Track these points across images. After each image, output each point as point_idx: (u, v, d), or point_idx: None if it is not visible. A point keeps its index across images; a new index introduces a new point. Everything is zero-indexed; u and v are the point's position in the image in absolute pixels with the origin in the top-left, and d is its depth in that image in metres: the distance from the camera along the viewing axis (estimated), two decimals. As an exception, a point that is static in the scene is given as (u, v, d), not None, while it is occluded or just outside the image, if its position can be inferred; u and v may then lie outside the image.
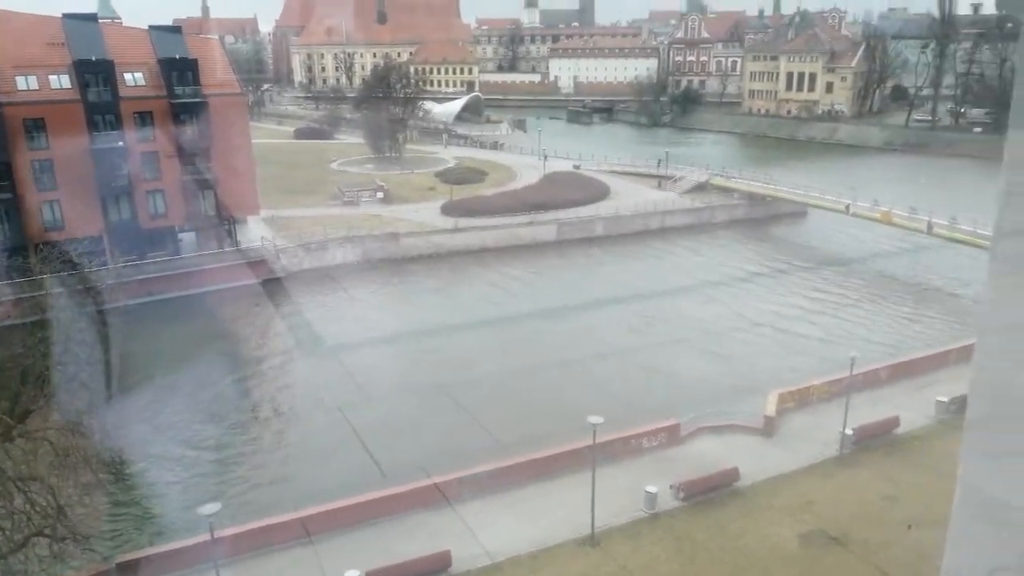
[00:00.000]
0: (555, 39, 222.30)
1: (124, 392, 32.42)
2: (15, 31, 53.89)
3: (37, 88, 52.42)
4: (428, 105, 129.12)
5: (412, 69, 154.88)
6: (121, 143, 54.95)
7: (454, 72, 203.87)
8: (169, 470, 31.88)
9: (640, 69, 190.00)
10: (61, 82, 53.31)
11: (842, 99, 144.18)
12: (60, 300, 34.19)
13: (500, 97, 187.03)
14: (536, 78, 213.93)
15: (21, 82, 51.84)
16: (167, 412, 36.70)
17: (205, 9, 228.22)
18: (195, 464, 32.99)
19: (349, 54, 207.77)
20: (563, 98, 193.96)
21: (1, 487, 19.04)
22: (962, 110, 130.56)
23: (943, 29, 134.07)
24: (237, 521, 26.12)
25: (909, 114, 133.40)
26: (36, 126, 52.38)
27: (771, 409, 34.95)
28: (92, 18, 62.89)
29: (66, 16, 56.92)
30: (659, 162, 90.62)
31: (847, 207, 67.97)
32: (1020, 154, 2.14)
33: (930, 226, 60.55)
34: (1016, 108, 2.15)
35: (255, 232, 62.69)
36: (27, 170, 52.11)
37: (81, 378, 26.93)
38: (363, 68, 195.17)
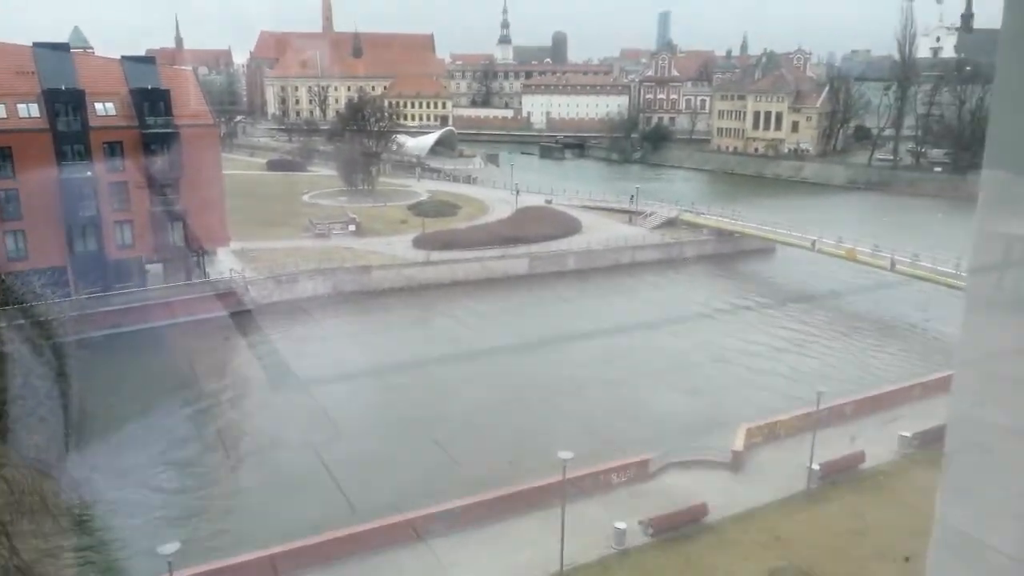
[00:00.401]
0: (528, 75, 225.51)
1: (83, 430, 31.68)
2: (-17, 59, 53.43)
3: (5, 116, 51.89)
4: (402, 138, 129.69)
5: (386, 103, 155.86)
6: (90, 173, 54.41)
7: (428, 106, 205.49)
8: (129, 513, 31.04)
9: (611, 106, 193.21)
10: (30, 111, 52.83)
11: (807, 138, 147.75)
12: (19, 332, 33.48)
13: (473, 131, 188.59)
14: (509, 113, 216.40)
15: (-12, 110, 51.28)
16: (129, 451, 35.86)
17: (179, 40, 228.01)
18: (156, 506, 32.18)
19: (323, 87, 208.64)
20: (536, 133, 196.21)
21: (-48, 526, 18.51)
22: (922, 150, 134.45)
23: (904, 71, 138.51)
24: (201, 559, 25.51)
25: (872, 153, 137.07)
26: (2, 155, 51.74)
27: (739, 444, 35.16)
28: (64, 47, 62.63)
29: (36, 45, 56.62)
30: (632, 197, 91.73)
31: (813, 243, 69.31)
32: (993, 193, 2.22)
33: (893, 263, 61.91)
34: (990, 148, 2.22)
35: (225, 264, 62.13)
36: (-9, 199, 51.32)
37: (40, 413, 26.30)
38: (337, 101, 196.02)
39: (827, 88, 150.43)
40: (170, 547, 20.88)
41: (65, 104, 53.43)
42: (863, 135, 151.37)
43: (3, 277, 48.79)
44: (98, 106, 55.04)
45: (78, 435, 30.68)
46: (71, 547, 26.06)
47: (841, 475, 33.82)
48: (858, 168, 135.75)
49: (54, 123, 53.00)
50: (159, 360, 48.39)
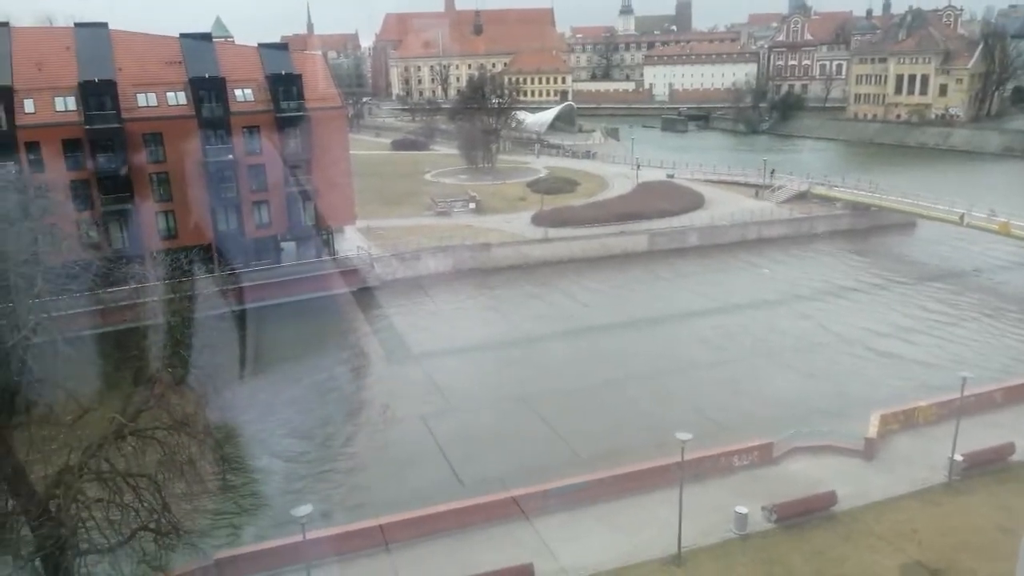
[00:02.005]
0: (650, 46, 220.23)
1: (229, 394, 34.03)
2: (136, 51, 57.66)
3: (156, 104, 55.83)
4: (521, 115, 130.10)
5: (506, 79, 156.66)
6: (230, 156, 57.81)
7: (548, 82, 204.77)
8: (267, 469, 33.26)
9: (738, 74, 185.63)
10: (178, 98, 56.58)
11: (957, 102, 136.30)
12: (172, 305, 36.27)
13: (593, 106, 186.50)
14: (630, 86, 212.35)
15: (141, 99, 55.38)
16: (267, 413, 38.28)
17: (310, 26, 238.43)
18: (286, 468, 34.28)
19: (445, 66, 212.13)
20: (657, 106, 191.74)
21: (112, 483, 20.33)
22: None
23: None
24: (328, 524, 26.95)
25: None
26: (154, 140, 55.80)
27: (873, 431, 33.28)
28: (207, 37, 66.51)
29: (183, 36, 60.48)
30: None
31: (961, 217, 64.00)
32: None
33: (1055, 238, 56.35)
34: None
35: (352, 241, 64.72)
36: (145, 182, 55.57)
37: (190, 379, 28.44)
38: (458, 80, 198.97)
39: (981, 46, 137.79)
40: (304, 509, 22.08)
41: (208, 91, 56.87)
42: (1021, 98, 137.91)
43: (155, 254, 52.90)
44: (237, 92, 58.24)
45: (222, 402, 33.06)
46: (217, 506, 28.23)
47: (987, 467, 31.35)
48: (1015, 134, 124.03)
49: (199, 109, 56.56)
50: (290, 334, 51.06)
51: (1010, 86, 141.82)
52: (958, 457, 30.63)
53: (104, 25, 57.85)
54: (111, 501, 20.26)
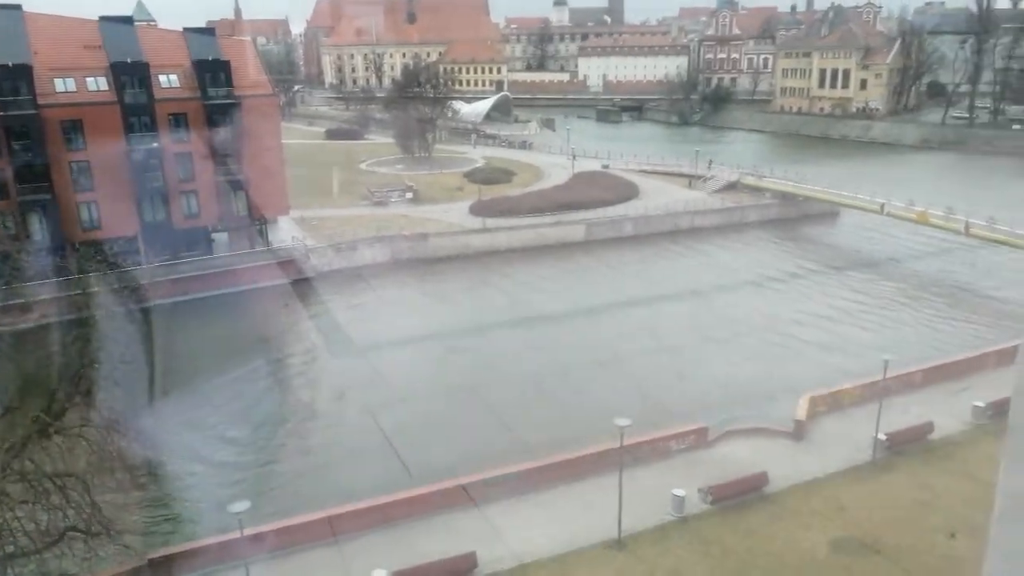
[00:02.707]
0: (584, 37, 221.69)
1: (158, 391, 32.99)
2: (53, 34, 55.07)
3: (75, 90, 53.52)
4: (457, 105, 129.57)
5: (441, 69, 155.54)
6: (156, 144, 55.89)
7: (483, 72, 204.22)
8: (201, 469, 32.37)
9: (670, 67, 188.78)
10: (98, 84, 54.35)
11: (877, 96, 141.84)
12: (96, 299, 34.85)
13: (529, 96, 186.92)
14: (565, 77, 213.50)
15: (59, 84, 52.97)
16: (200, 411, 37.23)
17: (238, 11, 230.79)
18: (225, 462, 33.46)
19: (379, 54, 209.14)
20: (592, 97, 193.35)
21: (38, 484, 19.51)
22: (1001, 106, 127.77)
23: (981, 24, 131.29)
24: (266, 519, 26.43)
25: (946, 111, 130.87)
26: (74, 128, 53.49)
27: (802, 413, 34.47)
28: (128, 20, 63.99)
29: (102, 19, 58.01)
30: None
31: (882, 207, 66.80)
32: None
33: (967, 226, 59.31)
34: None
35: (286, 232, 63.42)
36: (65, 171, 53.25)
37: (116, 376, 27.43)
38: (393, 68, 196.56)
39: (898, 43, 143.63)
40: (240, 505, 21.62)
41: (131, 77, 54.79)
42: (937, 92, 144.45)
43: (77, 246, 50.77)
44: (162, 78, 56.28)
45: (152, 397, 32.00)
46: (148, 503, 27.36)
47: (908, 446, 32.87)
48: (931, 127, 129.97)
49: (121, 96, 54.45)
50: (223, 327, 49.86)
51: (926, 81, 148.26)
52: (881, 436, 32.02)
53: (18, 7, 55.01)
54: (37, 502, 19.45)
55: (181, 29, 62.13)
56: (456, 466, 30.89)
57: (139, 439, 23.09)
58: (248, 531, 22.28)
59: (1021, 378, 1.96)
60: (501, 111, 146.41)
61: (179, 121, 56.81)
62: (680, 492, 28.51)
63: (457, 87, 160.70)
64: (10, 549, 19.59)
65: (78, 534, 20.01)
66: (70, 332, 29.79)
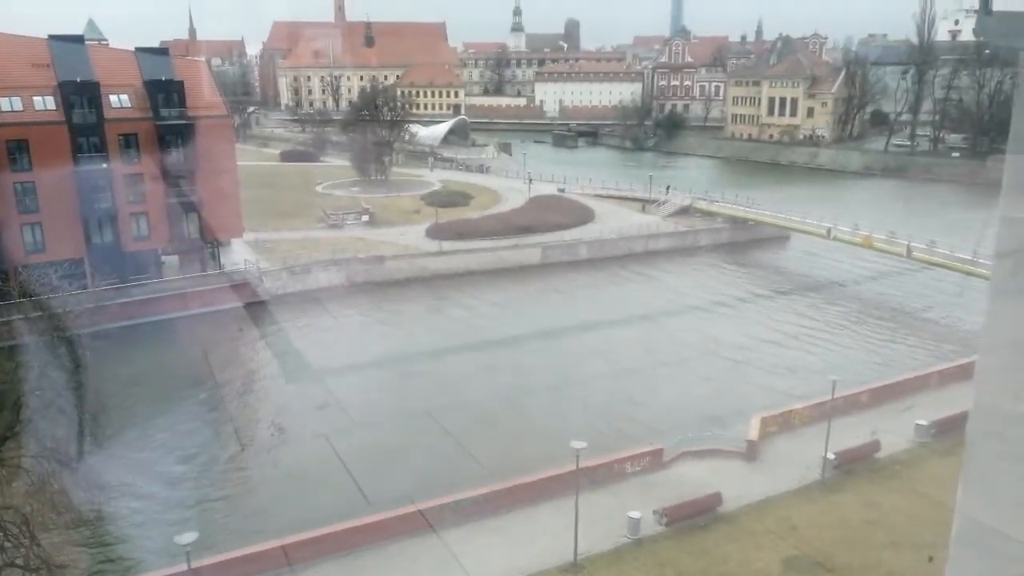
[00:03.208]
0: (541, 63, 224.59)
1: (102, 418, 32.00)
2: (-1, 52, 53.80)
3: (21, 109, 52.25)
4: (414, 128, 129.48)
5: (399, 92, 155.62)
6: (105, 165, 54.73)
7: (441, 95, 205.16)
8: (145, 502, 31.40)
9: (625, 93, 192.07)
10: (46, 103, 53.15)
11: (823, 124, 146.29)
12: (37, 324, 33.83)
13: (486, 120, 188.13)
14: (522, 102, 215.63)
15: (5, 103, 51.66)
16: (143, 444, 36.20)
17: (192, 31, 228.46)
18: (176, 493, 32.56)
19: (336, 77, 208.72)
20: (548, 122, 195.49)
21: (-27, 517, 18.79)
22: (940, 135, 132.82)
23: (922, 55, 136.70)
24: (217, 550, 25.77)
25: (888, 139, 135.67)
26: (19, 148, 52.13)
27: (754, 433, 35.03)
28: (78, 40, 62.84)
29: (52, 37, 56.87)
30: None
31: (828, 231, 68.72)
32: (1018, 179, 2.20)
33: (909, 250, 61.33)
34: (1015, 135, 2.20)
35: (239, 255, 62.51)
36: (8, 192, 51.75)
37: (59, 404, 26.60)
38: (350, 91, 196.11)
39: (843, 73, 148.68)
40: (188, 536, 21.08)
41: (80, 96, 53.71)
42: (880, 120, 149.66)
43: (20, 269, 49.23)
44: (113, 98, 55.30)
45: (95, 427, 31.05)
46: (89, 537, 26.42)
47: (856, 464, 33.64)
48: (874, 154, 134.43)
49: (70, 115, 53.30)
50: (174, 352, 48.85)
51: (870, 110, 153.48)
52: (831, 456, 32.71)
53: (-39, 23, 53.60)
54: (-29, 537, 18.69)
55: (133, 49, 61.22)
56: (413, 492, 30.58)
57: (80, 470, 22.35)
58: (196, 564, 21.68)
59: (977, 398, 2.08)
60: (459, 135, 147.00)
61: (130, 142, 55.78)
62: (635, 514, 28.65)
63: (415, 110, 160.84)
64: (-58, 586, 18.78)
65: (16, 570, 19.25)
66: (10, 359, 28.86)
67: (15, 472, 19.75)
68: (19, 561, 19.10)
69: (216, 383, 45.10)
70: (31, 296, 40.16)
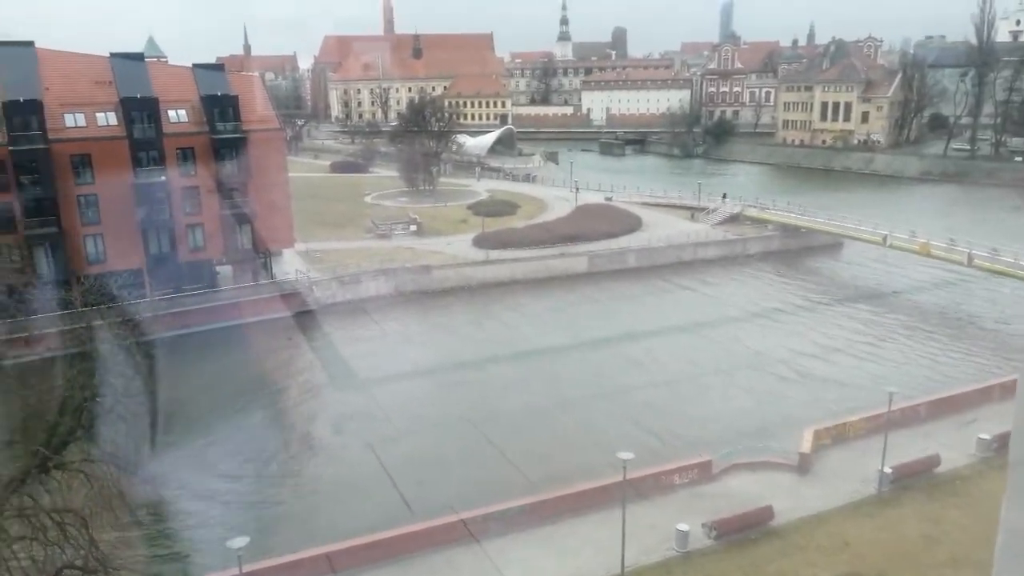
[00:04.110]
0: (587, 71, 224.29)
1: (160, 424, 32.97)
2: (65, 70, 56.02)
3: (84, 125, 54.24)
4: (462, 138, 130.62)
5: (446, 103, 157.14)
6: (163, 178, 56.45)
7: (487, 105, 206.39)
8: (203, 503, 32.20)
9: (673, 100, 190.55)
10: (108, 119, 55.09)
11: (878, 129, 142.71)
12: (100, 332, 35.02)
13: (533, 130, 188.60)
14: (569, 110, 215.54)
15: (69, 119, 53.72)
16: (203, 446, 37.14)
17: (247, 47, 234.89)
18: (229, 497, 33.27)
19: (385, 89, 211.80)
20: (595, 130, 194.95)
21: (35, 518, 19.43)
22: (1002, 139, 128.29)
23: (982, 56, 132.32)
24: (264, 555, 26.23)
25: (947, 143, 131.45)
26: (83, 162, 54.13)
27: (806, 446, 34.20)
28: (139, 57, 65.06)
29: (113, 55, 59.00)
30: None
31: (884, 238, 66.84)
32: None
33: (970, 258, 59.24)
34: None
35: (290, 265, 63.74)
36: (72, 205, 53.78)
37: (118, 410, 27.45)
38: (398, 103, 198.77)
39: (899, 76, 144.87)
40: (240, 541, 21.51)
41: (140, 112, 55.53)
42: (938, 124, 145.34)
43: (83, 279, 51.07)
44: (171, 113, 57.05)
45: (154, 432, 31.96)
46: (146, 537, 27.17)
47: (915, 479, 32.55)
48: (933, 159, 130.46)
49: (130, 130, 55.13)
50: (227, 361, 49.87)
51: (928, 113, 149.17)
52: (887, 470, 31.73)
53: (30, 44, 56.03)
54: (34, 539, 19.34)
55: (191, 65, 63.13)
56: (457, 501, 30.65)
57: (139, 475, 23.03)
58: (248, 567, 22.10)
59: (1021, 410, 1.99)
60: (505, 144, 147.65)
61: (187, 155, 57.43)
62: (684, 527, 28.22)
63: (462, 121, 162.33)
64: (6, 586, 19.49)
65: (75, 571, 19.87)
66: (73, 366, 29.91)
67: (75, 476, 20.43)
68: (78, 563, 19.74)
69: (266, 392, 45.94)
70: (93, 305, 41.63)
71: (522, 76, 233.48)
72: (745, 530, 29.12)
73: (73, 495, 20.28)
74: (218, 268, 60.46)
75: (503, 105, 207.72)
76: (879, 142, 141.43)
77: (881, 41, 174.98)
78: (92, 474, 20.84)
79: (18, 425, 23.30)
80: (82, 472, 20.61)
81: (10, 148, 50.77)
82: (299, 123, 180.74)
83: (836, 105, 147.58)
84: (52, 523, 19.62)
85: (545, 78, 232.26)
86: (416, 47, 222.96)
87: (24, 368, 39.77)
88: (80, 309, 40.53)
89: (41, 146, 51.88)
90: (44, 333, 43.62)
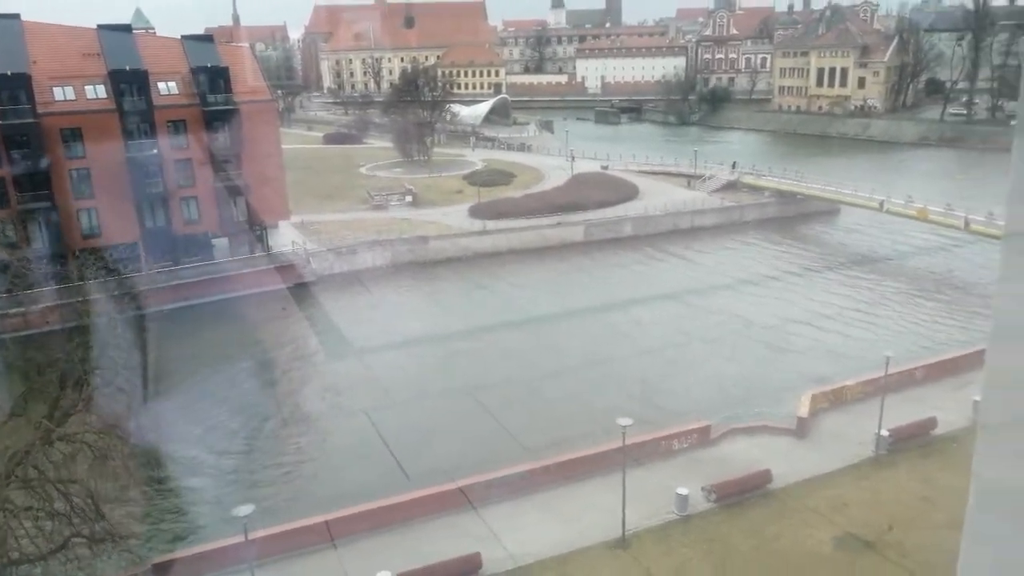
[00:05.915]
0: (582, 39, 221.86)
1: (159, 395, 33.04)
2: (52, 43, 55.20)
3: (74, 98, 53.61)
4: (455, 108, 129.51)
5: (439, 72, 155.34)
6: (155, 151, 55.97)
7: (481, 75, 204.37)
8: (202, 473, 32.39)
9: (668, 68, 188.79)
10: (97, 92, 54.43)
11: (874, 94, 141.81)
12: (97, 305, 34.93)
13: (527, 99, 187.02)
14: (563, 79, 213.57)
15: (58, 92, 53.07)
16: (199, 415, 37.26)
17: (236, 18, 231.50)
18: (225, 467, 33.47)
19: (377, 59, 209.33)
20: (590, 98, 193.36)
21: (41, 489, 19.54)
22: (999, 103, 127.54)
23: (978, 21, 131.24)
24: (264, 523, 26.45)
25: (944, 108, 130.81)
26: (73, 135, 53.60)
27: (804, 410, 34.47)
28: (126, 29, 64.15)
29: (101, 27, 58.12)
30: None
31: (881, 204, 66.81)
32: None
33: (967, 222, 59.31)
34: (1022, 109, 2.11)
35: (286, 237, 63.48)
36: (65, 179, 53.34)
37: (118, 382, 27.47)
38: (391, 73, 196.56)
39: (896, 41, 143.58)
40: (245, 509, 21.64)
41: (130, 84, 54.87)
42: (935, 89, 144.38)
43: (78, 253, 50.84)
44: (161, 85, 56.38)
45: (151, 403, 32.06)
46: (150, 506, 27.39)
47: (911, 441, 32.89)
48: (929, 124, 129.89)
49: (120, 103, 54.52)
50: (223, 332, 49.80)
51: (924, 78, 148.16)
52: (884, 432, 32.03)
53: (16, 16, 55.12)
54: (41, 509, 19.46)
55: (179, 36, 62.21)
56: (454, 468, 30.87)
57: (140, 444, 23.13)
58: (252, 534, 22.28)
59: (989, 372, 1.97)
60: (500, 114, 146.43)
61: (178, 127, 56.89)
62: (683, 491, 28.53)
63: (455, 90, 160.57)
64: (14, 556, 19.62)
65: (82, 540, 20.03)
66: (71, 339, 29.84)
67: (79, 446, 20.52)
68: (85, 532, 19.89)
69: (261, 362, 45.98)
70: (90, 279, 41.49)
71: (515, 45, 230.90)
72: (744, 493, 29.46)
73: (77, 465, 20.38)
74: (214, 241, 60.20)
75: (497, 74, 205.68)
76: (875, 107, 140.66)
77: (877, 5, 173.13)
78: (95, 445, 20.90)
79: (19, 398, 23.33)
80: (85, 443, 20.68)
81: (-1, 122, 50.21)
82: (291, 94, 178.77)
83: (832, 71, 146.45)
84: (58, 493, 19.74)
85: (539, 46, 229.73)
86: (408, 16, 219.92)
87: (23, 342, 39.69)
88: (77, 283, 40.40)
89: (31, 120, 51.32)
90: (41, 307, 43.49)
